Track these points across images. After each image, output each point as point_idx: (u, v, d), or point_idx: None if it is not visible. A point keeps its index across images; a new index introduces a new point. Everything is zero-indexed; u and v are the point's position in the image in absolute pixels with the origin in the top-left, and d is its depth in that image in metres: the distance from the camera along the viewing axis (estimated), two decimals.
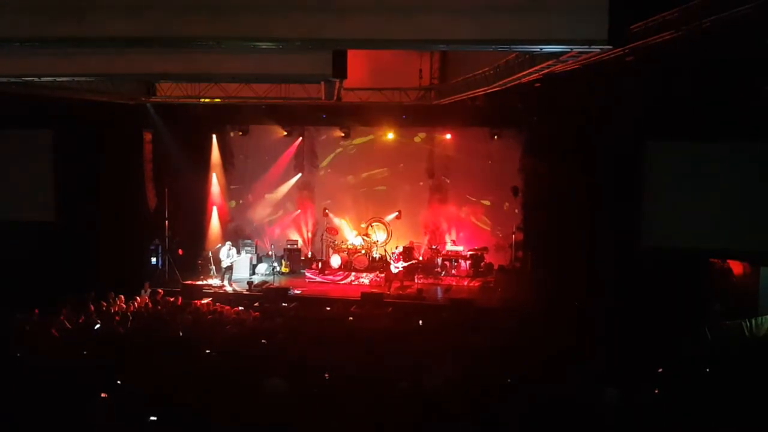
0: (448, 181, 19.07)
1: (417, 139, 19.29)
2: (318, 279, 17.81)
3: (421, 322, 12.71)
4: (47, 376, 8.11)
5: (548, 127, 15.39)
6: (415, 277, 17.60)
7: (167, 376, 8.36)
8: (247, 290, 16.46)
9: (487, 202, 18.90)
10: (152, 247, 17.84)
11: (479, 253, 18.01)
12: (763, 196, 11.63)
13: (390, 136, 18.88)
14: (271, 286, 16.78)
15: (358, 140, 19.34)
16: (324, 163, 19.74)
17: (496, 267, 17.99)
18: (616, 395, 7.70)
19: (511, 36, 7.18)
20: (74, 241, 15.14)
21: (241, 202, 20.06)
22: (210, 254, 17.70)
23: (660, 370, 8.97)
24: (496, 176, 18.39)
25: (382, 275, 17.27)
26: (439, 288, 17.05)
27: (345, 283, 17.56)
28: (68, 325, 11.25)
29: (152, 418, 7.00)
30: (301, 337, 10.86)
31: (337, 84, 12.15)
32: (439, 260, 18.15)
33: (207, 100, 16.74)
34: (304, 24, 7.04)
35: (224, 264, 16.84)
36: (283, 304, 14.62)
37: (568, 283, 14.33)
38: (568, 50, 8.15)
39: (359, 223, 18.99)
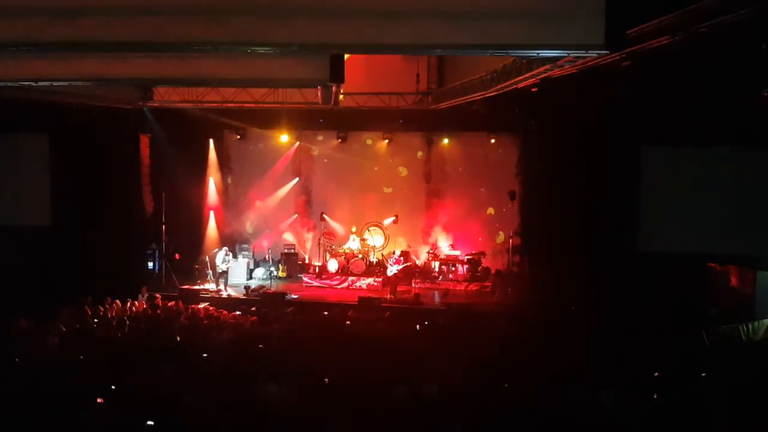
0: (446, 186, 19.06)
1: (414, 144, 19.26)
2: (315, 283, 17.78)
3: (418, 326, 12.69)
4: (44, 380, 8.08)
5: (546, 131, 15.41)
6: (413, 281, 17.59)
7: (164, 381, 8.34)
8: (244, 295, 16.44)
9: (485, 207, 18.89)
10: (149, 252, 17.83)
11: (476, 258, 18.01)
12: (760, 200, 11.64)
13: (387, 140, 18.90)
14: (269, 291, 16.77)
15: (355, 145, 19.32)
16: (321, 168, 19.73)
17: (493, 271, 18.00)
18: (613, 400, 7.70)
19: (508, 41, 7.18)
20: (70, 245, 15.09)
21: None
22: (207, 259, 17.68)
23: (656, 374, 8.97)
24: (494, 181, 18.43)
25: (380, 280, 17.27)
26: (436, 292, 17.05)
27: (342, 288, 17.54)
28: (65, 329, 11.21)
29: (149, 423, 6.98)
30: (298, 342, 10.84)
31: (335, 88, 12.14)
32: (437, 264, 18.14)
33: (204, 104, 16.74)
34: (301, 28, 7.02)
35: (219, 269, 16.85)
36: (281, 309, 14.59)
37: (565, 288, 14.32)
38: (565, 55, 8.15)
39: (357, 227, 18.96)
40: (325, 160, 19.68)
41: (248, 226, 19.75)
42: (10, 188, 13.54)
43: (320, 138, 19.57)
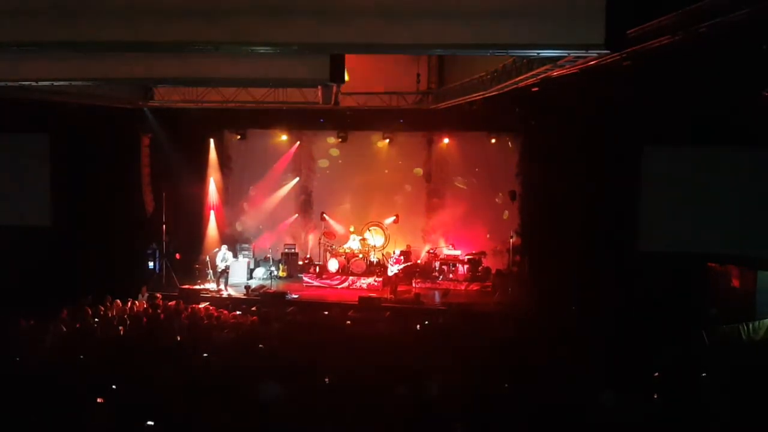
0: (446, 186, 19.06)
1: (414, 144, 19.25)
2: (315, 283, 17.77)
3: (418, 326, 12.69)
4: (44, 380, 8.08)
5: (546, 131, 15.41)
6: (413, 281, 17.59)
7: (164, 381, 8.34)
8: (244, 294, 16.44)
9: (484, 207, 18.86)
10: (149, 252, 17.82)
11: (477, 258, 18.00)
12: (760, 200, 11.64)
13: (387, 140, 18.90)
14: (269, 291, 16.76)
15: (355, 144, 19.30)
16: (321, 167, 19.75)
17: (493, 271, 17.98)
18: (613, 400, 7.70)
19: (509, 40, 7.19)
20: (71, 245, 15.11)
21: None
22: (207, 258, 17.69)
23: (656, 374, 8.97)
24: (494, 181, 18.43)
25: (380, 279, 17.27)
26: (436, 292, 17.03)
27: (342, 288, 17.53)
28: (65, 329, 11.21)
29: (149, 423, 6.98)
30: (298, 341, 10.84)
31: (335, 88, 12.15)
32: (437, 264, 18.14)
33: (204, 104, 16.73)
34: (301, 28, 7.03)
35: (219, 267, 16.87)
36: (281, 309, 14.58)
37: (565, 288, 14.32)
38: (566, 55, 8.16)
39: (357, 227, 18.96)
40: (326, 160, 19.69)
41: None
42: (10, 188, 13.57)
43: (320, 138, 19.54)
